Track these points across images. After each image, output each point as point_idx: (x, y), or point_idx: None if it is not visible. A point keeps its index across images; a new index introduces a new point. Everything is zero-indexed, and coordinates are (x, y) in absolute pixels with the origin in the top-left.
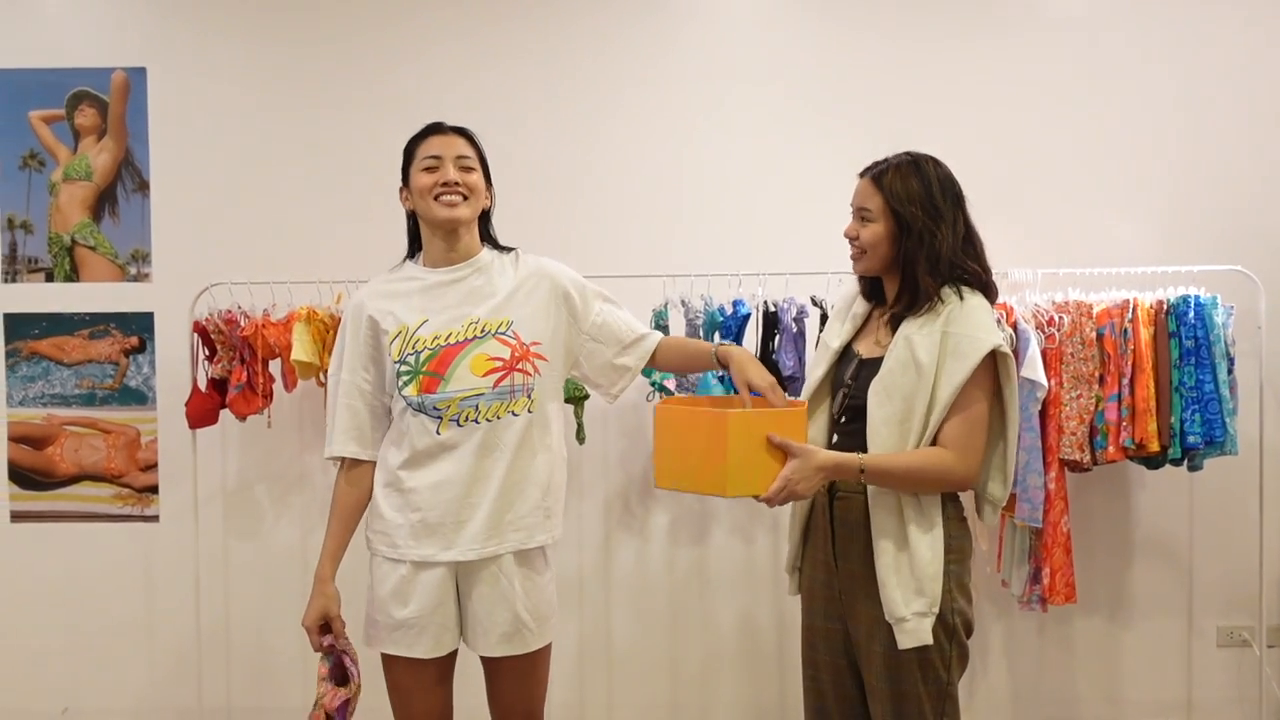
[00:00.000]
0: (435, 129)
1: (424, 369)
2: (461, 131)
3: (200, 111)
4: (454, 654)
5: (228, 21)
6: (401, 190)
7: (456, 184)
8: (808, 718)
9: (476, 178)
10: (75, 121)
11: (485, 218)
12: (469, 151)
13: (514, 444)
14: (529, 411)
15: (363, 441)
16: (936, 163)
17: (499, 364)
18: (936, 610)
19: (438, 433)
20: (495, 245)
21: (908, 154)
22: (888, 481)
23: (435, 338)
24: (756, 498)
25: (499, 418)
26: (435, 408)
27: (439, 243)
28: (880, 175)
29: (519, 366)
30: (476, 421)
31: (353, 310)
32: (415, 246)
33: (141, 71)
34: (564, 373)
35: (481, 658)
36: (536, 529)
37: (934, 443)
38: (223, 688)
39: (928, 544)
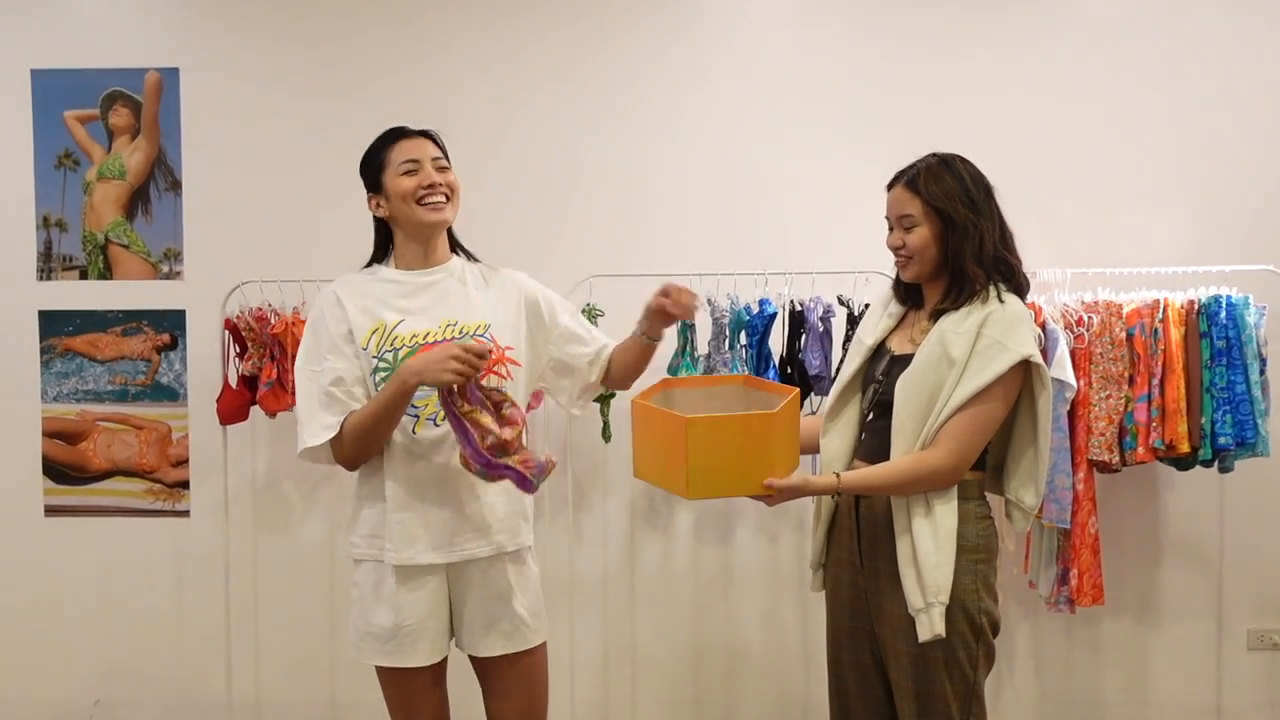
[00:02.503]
0: (402, 133)
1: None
2: (428, 134)
3: (232, 111)
4: (446, 659)
5: (259, 22)
6: (371, 198)
7: (440, 185)
8: (832, 717)
9: (453, 176)
10: (109, 121)
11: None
12: (439, 152)
13: None
14: None
15: None
16: (963, 159)
17: None
18: (944, 600)
19: (414, 432)
20: (463, 252)
21: (933, 155)
22: (869, 492)
23: (414, 336)
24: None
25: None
26: (413, 406)
27: (415, 247)
28: (914, 179)
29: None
30: None
31: (328, 301)
32: (382, 252)
33: (174, 72)
34: (532, 382)
35: (479, 671)
36: (518, 530)
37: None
38: (251, 681)
39: (928, 534)
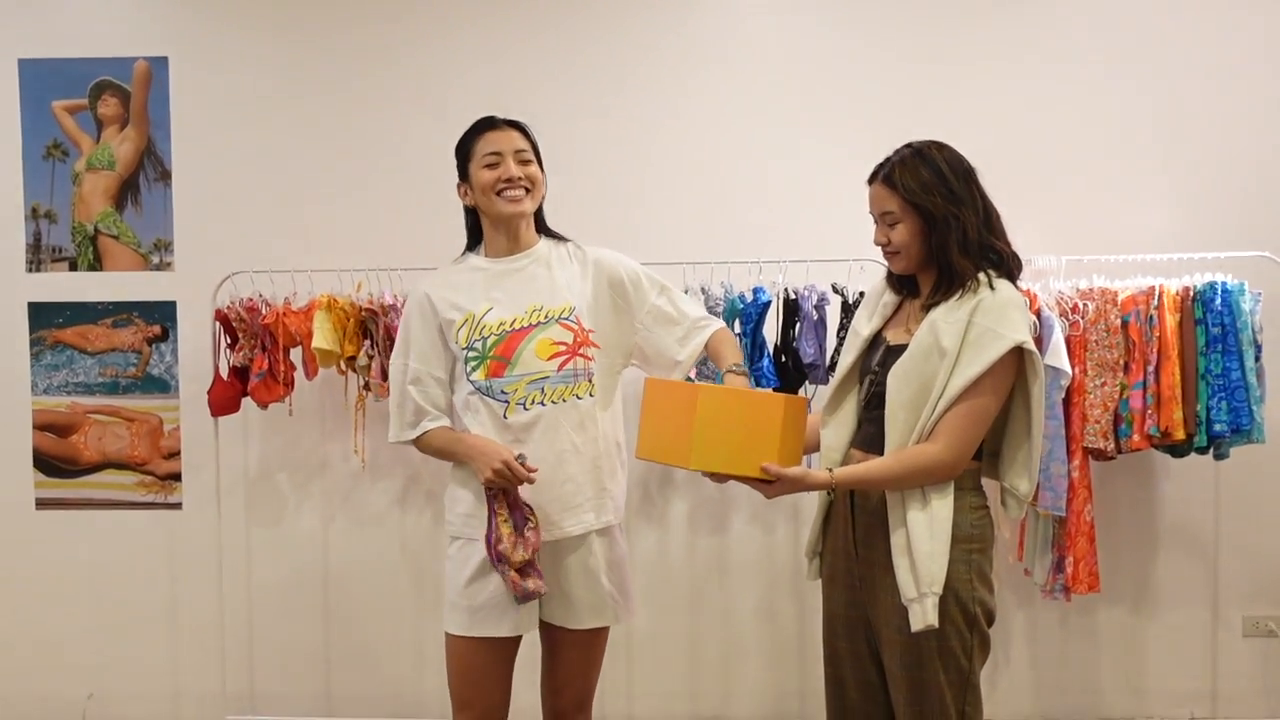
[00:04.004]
0: (490, 124)
1: (491, 353)
2: (516, 125)
3: (221, 101)
4: (521, 637)
5: (248, 11)
6: (460, 186)
7: (520, 179)
8: (828, 706)
9: (535, 169)
10: (98, 111)
11: (539, 207)
12: (525, 144)
13: (579, 427)
14: (591, 395)
15: (447, 415)
16: (940, 146)
17: (563, 348)
18: (938, 591)
19: (505, 416)
20: (551, 234)
21: (908, 146)
22: (866, 487)
23: (501, 324)
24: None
25: (564, 400)
26: (503, 391)
27: (501, 236)
28: (890, 175)
29: (581, 351)
30: (542, 404)
31: (418, 301)
32: (474, 239)
33: (163, 61)
34: (618, 361)
35: (545, 635)
36: (605, 509)
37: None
38: (245, 673)
39: (924, 524)
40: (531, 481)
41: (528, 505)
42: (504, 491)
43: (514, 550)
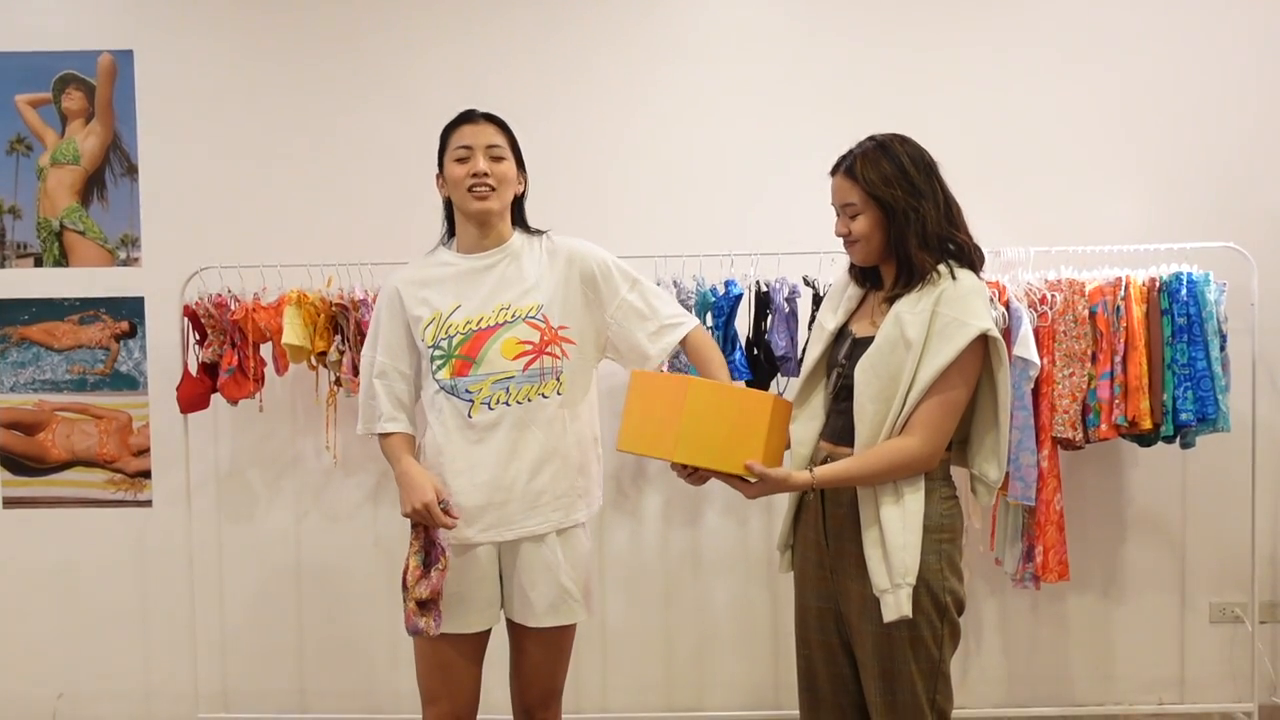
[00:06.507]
0: (467, 117)
1: (456, 353)
2: (492, 119)
3: (188, 94)
4: (489, 632)
5: (213, 3)
6: (438, 177)
7: (486, 175)
8: (800, 697)
9: (506, 166)
10: (62, 105)
11: (518, 202)
12: (500, 140)
13: (545, 426)
14: (558, 394)
15: (410, 418)
16: (903, 139)
17: (529, 347)
18: (911, 581)
19: (469, 415)
20: (526, 228)
21: (871, 139)
22: (847, 484)
23: (467, 322)
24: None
25: (529, 400)
26: (467, 391)
27: (472, 229)
28: (851, 167)
29: (548, 350)
30: (507, 404)
31: (388, 295)
32: (452, 229)
33: (128, 54)
34: (594, 355)
35: (510, 632)
36: (573, 508)
37: (907, 421)
38: (218, 671)
39: (897, 516)
40: (450, 528)
41: (444, 547)
42: (424, 526)
43: (416, 585)
